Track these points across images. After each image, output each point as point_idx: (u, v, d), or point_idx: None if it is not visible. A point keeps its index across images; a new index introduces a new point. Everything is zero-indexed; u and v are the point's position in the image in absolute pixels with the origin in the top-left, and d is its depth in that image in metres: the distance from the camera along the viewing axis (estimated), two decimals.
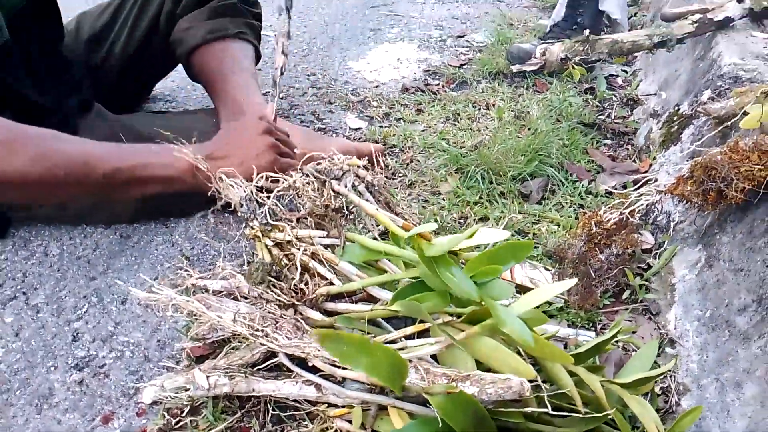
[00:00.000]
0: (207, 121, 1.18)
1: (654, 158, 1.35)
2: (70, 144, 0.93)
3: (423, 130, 1.53)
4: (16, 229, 1.13)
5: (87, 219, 1.15)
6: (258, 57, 1.37)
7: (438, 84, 1.81)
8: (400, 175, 1.34)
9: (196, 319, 0.83)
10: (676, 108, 1.39)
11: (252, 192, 0.78)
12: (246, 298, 0.78)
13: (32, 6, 1.12)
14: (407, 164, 1.39)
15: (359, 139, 1.49)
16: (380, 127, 1.55)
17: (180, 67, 1.38)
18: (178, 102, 1.62)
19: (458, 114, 1.61)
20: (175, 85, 1.65)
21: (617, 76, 1.86)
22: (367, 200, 0.86)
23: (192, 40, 1.26)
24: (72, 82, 1.22)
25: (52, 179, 0.88)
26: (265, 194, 0.82)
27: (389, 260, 0.83)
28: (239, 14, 1.31)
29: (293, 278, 0.76)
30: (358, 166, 0.82)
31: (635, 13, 2.32)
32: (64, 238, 1.12)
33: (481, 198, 1.24)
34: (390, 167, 1.34)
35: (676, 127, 1.34)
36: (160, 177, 0.95)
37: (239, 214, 0.80)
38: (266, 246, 0.78)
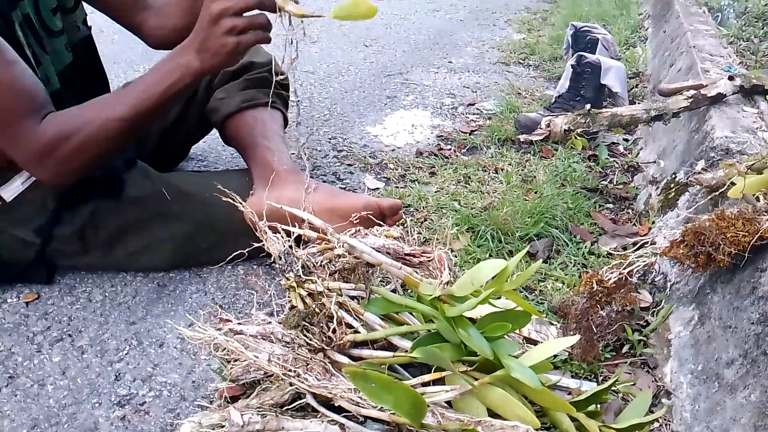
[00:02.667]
0: (240, 180, 1.29)
1: (653, 222, 1.44)
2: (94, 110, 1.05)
3: (436, 192, 1.64)
4: (61, 276, 1.23)
5: (127, 267, 1.25)
6: (285, 122, 1.50)
7: (450, 149, 1.93)
8: (415, 232, 1.44)
9: (232, 360, 0.91)
10: (673, 176, 1.50)
11: (290, 247, 0.88)
12: (280, 341, 0.87)
13: (79, 62, 1.25)
14: (421, 223, 1.49)
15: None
16: (396, 187, 1.66)
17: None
18: (209, 162, 1.75)
19: (469, 177, 1.72)
20: (206, 146, 1.77)
21: (618, 144, 1.98)
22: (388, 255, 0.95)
23: (227, 109, 1.39)
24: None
25: (109, 147, 1.06)
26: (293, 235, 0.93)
27: (410, 313, 0.92)
28: (269, 85, 1.44)
29: (323, 326, 0.84)
30: (394, 237, 0.92)
31: (636, 85, 2.46)
32: (106, 285, 1.21)
33: (490, 256, 1.34)
34: (405, 225, 1.44)
35: (673, 193, 1.45)
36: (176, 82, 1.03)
37: (277, 266, 0.89)
38: (300, 296, 0.87)
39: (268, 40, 1.00)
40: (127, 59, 2.53)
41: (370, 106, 2.29)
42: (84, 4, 1.27)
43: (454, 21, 3.80)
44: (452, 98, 2.41)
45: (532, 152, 1.88)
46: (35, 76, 1.04)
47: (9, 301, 1.16)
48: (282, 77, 1.50)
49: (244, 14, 0.96)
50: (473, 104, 2.33)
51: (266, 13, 0.98)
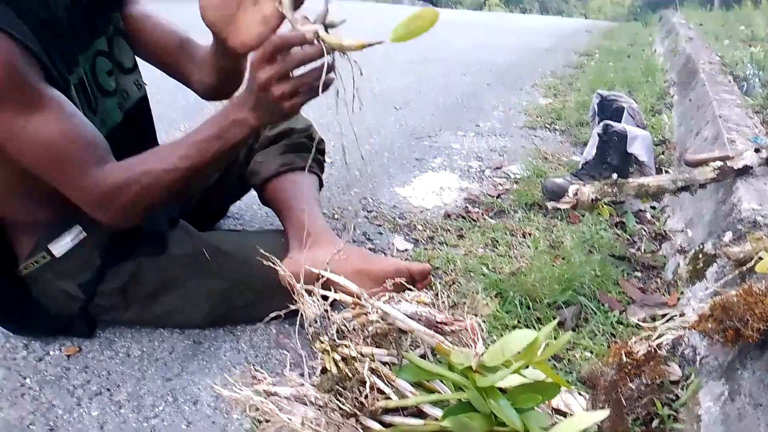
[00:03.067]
0: (276, 241, 1.34)
1: (682, 293, 1.45)
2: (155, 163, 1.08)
3: (464, 255, 1.67)
4: (102, 329, 1.28)
5: (165, 323, 1.29)
6: (321, 185, 1.56)
7: (478, 212, 1.97)
8: (444, 296, 1.46)
9: (264, 420, 0.93)
10: (701, 246, 1.51)
11: (326, 311, 0.91)
12: (313, 404, 0.89)
13: (130, 122, 1.32)
14: (450, 286, 1.52)
15: (406, 260, 1.63)
16: (425, 249, 1.70)
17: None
18: (245, 220, 1.81)
19: (497, 241, 1.75)
20: (243, 205, 1.84)
21: (645, 211, 2.00)
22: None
23: (266, 172, 1.46)
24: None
25: (162, 197, 1.09)
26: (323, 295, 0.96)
27: (440, 380, 0.94)
28: (306, 150, 1.51)
29: (356, 390, 0.87)
30: (425, 303, 0.95)
31: (662, 152, 2.49)
32: (144, 340, 1.26)
33: (519, 322, 1.35)
34: (435, 289, 1.47)
35: (701, 264, 1.46)
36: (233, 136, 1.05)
37: (312, 329, 0.92)
38: (334, 359, 0.90)
39: (324, 89, 0.97)
40: (169, 117, 2.65)
41: (399, 168, 2.35)
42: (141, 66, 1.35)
43: (482, 85, 3.91)
44: (480, 161, 2.46)
45: (559, 217, 1.90)
46: (95, 127, 1.08)
47: (51, 353, 1.21)
48: (319, 143, 1.57)
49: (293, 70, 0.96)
50: (500, 168, 2.38)
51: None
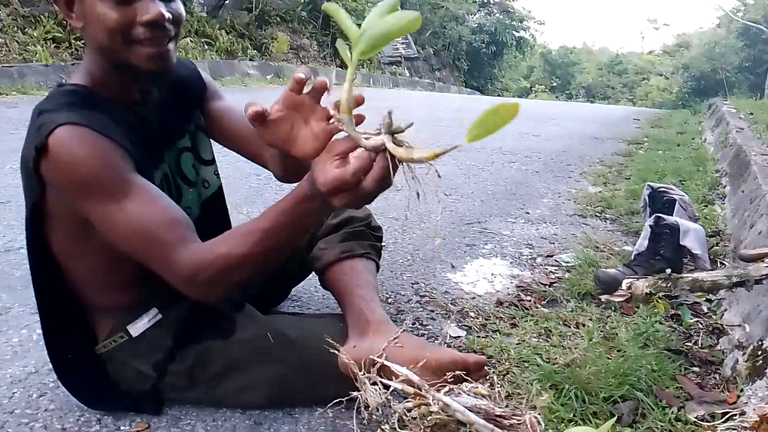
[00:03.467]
0: (336, 327, 1.39)
1: (741, 390, 1.42)
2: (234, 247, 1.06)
3: (518, 344, 1.68)
4: (169, 407, 1.34)
5: (227, 404, 1.34)
6: (378, 268, 1.63)
7: (530, 300, 1.99)
8: (498, 386, 1.47)
9: None
10: (760, 343, 1.49)
11: (388, 400, 0.95)
12: None
13: (207, 215, 1.42)
14: (503, 375, 1.53)
15: (459, 347, 1.66)
16: (478, 337, 1.72)
17: None
18: (303, 302, 1.88)
19: (550, 331, 1.76)
20: (301, 287, 1.91)
21: (701, 303, 1.98)
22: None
23: (327, 258, 1.54)
24: None
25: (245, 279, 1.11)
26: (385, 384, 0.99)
27: None
28: (366, 238, 1.59)
29: None
30: (482, 394, 0.98)
31: (716, 243, 2.48)
32: (207, 419, 1.30)
33: (574, 416, 1.35)
34: (490, 379, 1.48)
35: (760, 361, 1.43)
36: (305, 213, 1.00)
37: (374, 417, 0.96)
38: None
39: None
40: (232, 201, 2.79)
41: (450, 253, 2.41)
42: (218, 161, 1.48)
43: (530, 172, 3.99)
44: (530, 249, 2.50)
45: (613, 308, 1.90)
46: (179, 207, 1.14)
47: (122, 428, 1.27)
48: (377, 231, 1.65)
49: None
50: (551, 256, 2.41)
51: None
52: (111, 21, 1.04)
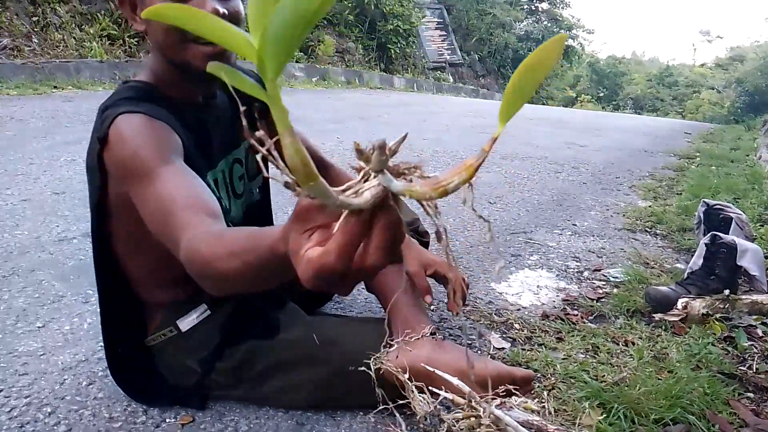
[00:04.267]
0: (380, 331, 1.38)
1: None
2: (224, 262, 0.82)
3: (564, 359, 1.64)
4: (213, 402, 1.35)
5: (270, 402, 1.35)
6: None
7: (577, 314, 1.94)
8: (546, 402, 1.44)
9: None
10: None
11: (437, 409, 0.94)
12: None
13: (248, 217, 1.43)
14: (549, 391, 1.49)
15: (503, 360, 1.63)
16: (522, 349, 1.69)
17: None
18: (345, 303, 1.88)
19: (597, 347, 1.71)
20: None
21: (756, 326, 1.90)
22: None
23: None
24: None
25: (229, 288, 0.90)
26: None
27: None
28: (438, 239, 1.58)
29: None
30: (532, 410, 0.96)
31: None
32: (251, 417, 1.31)
33: None
34: (536, 395, 1.45)
35: None
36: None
37: (421, 426, 0.95)
38: None
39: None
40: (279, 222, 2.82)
41: (494, 263, 2.37)
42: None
43: (577, 183, 3.92)
44: (577, 262, 2.44)
45: (663, 327, 1.84)
46: (208, 192, 1.04)
47: (168, 420, 1.28)
48: (423, 236, 1.63)
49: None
50: (599, 270, 2.35)
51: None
52: None
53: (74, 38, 6.92)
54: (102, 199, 1.16)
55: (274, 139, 0.45)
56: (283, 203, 2.81)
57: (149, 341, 1.34)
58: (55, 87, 5.73)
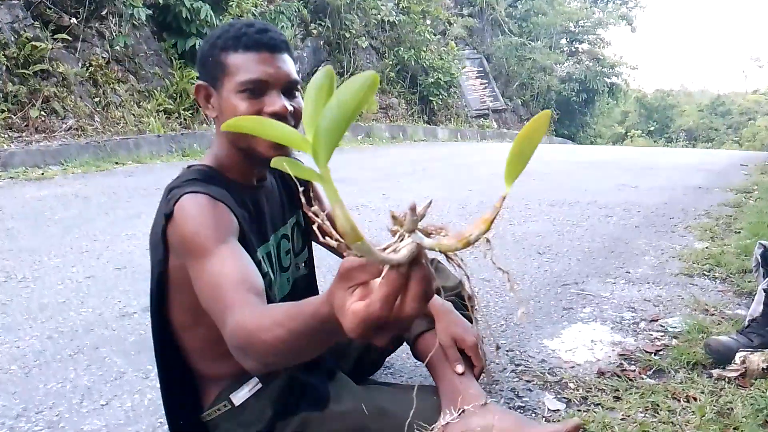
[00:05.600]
0: (430, 401, 1.38)
1: None
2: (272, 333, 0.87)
3: (622, 419, 1.59)
4: None
5: None
6: None
7: (634, 370, 1.89)
8: None
9: None
10: None
11: None
12: None
13: (296, 295, 1.47)
14: None
15: (558, 422, 1.59)
16: (578, 411, 1.65)
17: None
18: (395, 369, 1.88)
19: (657, 405, 1.65)
20: (393, 354, 1.92)
21: None
22: None
23: (418, 328, 1.54)
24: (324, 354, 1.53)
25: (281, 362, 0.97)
26: None
27: None
28: (456, 308, 1.59)
29: None
30: None
31: None
32: None
33: None
34: None
35: None
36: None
37: None
38: None
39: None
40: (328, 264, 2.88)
41: (546, 318, 2.34)
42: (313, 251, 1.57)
43: (629, 227, 3.84)
44: (633, 312, 2.38)
45: (726, 379, 1.77)
46: (255, 270, 1.10)
47: None
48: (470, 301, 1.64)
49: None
50: (656, 320, 2.29)
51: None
52: (242, 111, 1.19)
53: (133, 115, 7.33)
54: (164, 272, 1.23)
55: (326, 212, 0.59)
56: (328, 282, 2.86)
57: (205, 416, 1.37)
58: (116, 163, 6.06)
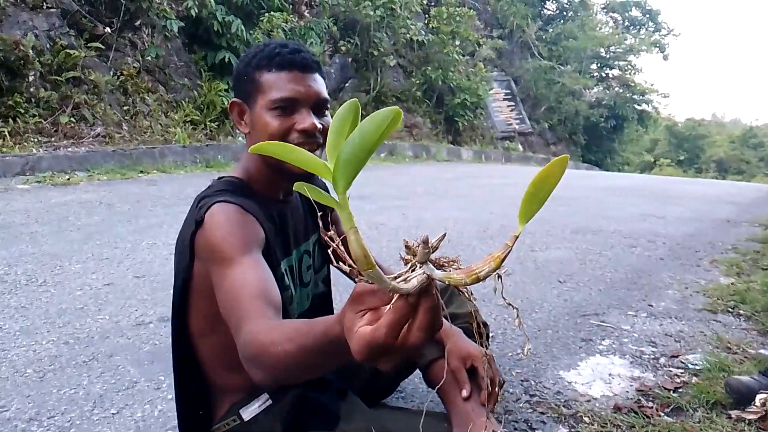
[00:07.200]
0: (440, 426, 1.36)
1: None
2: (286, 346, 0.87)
3: None
4: None
5: None
6: None
7: (652, 407, 1.84)
8: None
9: None
10: None
11: None
12: None
13: (314, 310, 1.47)
14: None
15: None
16: None
17: None
18: (407, 392, 1.86)
19: None
20: (406, 379, 1.89)
21: None
22: None
23: (431, 355, 1.52)
24: (334, 372, 1.51)
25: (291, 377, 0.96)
26: None
27: None
28: (469, 335, 1.56)
29: None
30: None
31: None
32: None
33: None
34: None
35: None
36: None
37: None
38: None
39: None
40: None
41: (563, 348, 2.29)
42: (332, 268, 1.56)
43: (653, 259, 3.77)
44: (653, 347, 2.32)
45: (746, 422, 1.71)
46: (274, 283, 1.12)
47: None
48: (484, 329, 1.62)
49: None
50: (677, 356, 2.23)
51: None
52: (273, 127, 1.23)
53: (160, 124, 7.45)
54: (188, 278, 1.25)
55: (342, 237, 0.60)
56: (343, 300, 2.85)
57: (215, 430, 1.37)
58: (141, 171, 6.14)
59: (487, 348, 1.64)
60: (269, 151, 0.60)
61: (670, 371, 2.11)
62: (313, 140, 1.26)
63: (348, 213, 0.58)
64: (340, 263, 0.62)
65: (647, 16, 24.34)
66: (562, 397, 1.90)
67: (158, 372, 1.95)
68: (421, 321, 0.60)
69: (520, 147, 16.68)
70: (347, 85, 11.67)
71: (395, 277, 0.60)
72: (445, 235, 0.63)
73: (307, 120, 1.24)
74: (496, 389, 1.42)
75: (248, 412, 1.34)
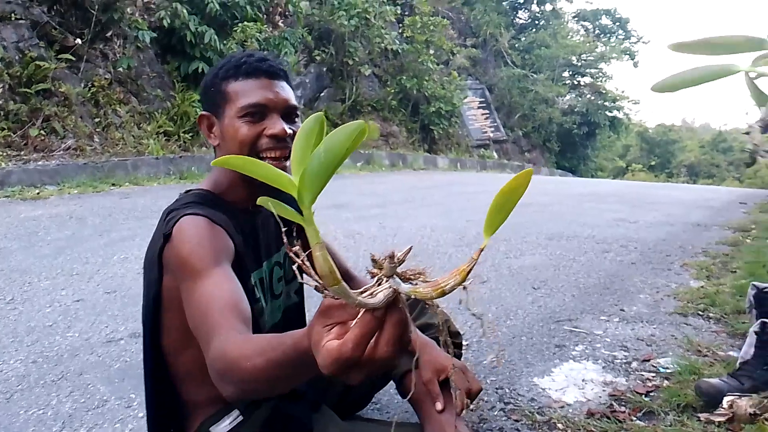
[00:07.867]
0: None
1: None
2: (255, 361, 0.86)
3: None
4: None
5: None
6: None
7: (624, 411, 1.85)
8: None
9: None
10: None
11: None
12: None
13: (287, 322, 1.46)
14: None
15: None
16: None
17: None
18: (382, 404, 1.85)
19: None
20: (381, 390, 1.89)
21: None
22: None
23: (405, 366, 1.51)
24: (307, 384, 1.50)
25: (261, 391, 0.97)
26: None
27: None
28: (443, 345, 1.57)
29: None
30: None
31: None
32: None
33: None
34: None
35: None
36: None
37: None
38: None
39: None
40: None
41: (538, 355, 2.31)
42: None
43: (626, 264, 3.82)
44: (625, 351, 2.35)
45: (716, 423, 1.74)
46: (244, 296, 1.10)
47: None
48: (455, 336, 1.62)
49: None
50: (648, 360, 2.26)
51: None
52: (243, 134, 1.23)
53: (133, 136, 7.36)
54: (158, 292, 1.23)
55: (307, 252, 0.58)
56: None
57: None
58: (113, 184, 6.06)
59: (460, 357, 1.65)
60: (234, 165, 0.59)
61: (642, 375, 2.13)
62: (284, 146, 1.25)
63: (314, 228, 0.57)
64: (307, 278, 0.61)
65: (617, 24, 24.83)
66: (536, 404, 1.91)
67: (129, 389, 1.92)
68: (388, 335, 0.60)
69: (495, 154, 16.82)
70: (323, 94, 11.68)
71: (362, 292, 0.59)
72: (411, 248, 0.62)
73: (277, 125, 1.24)
74: (467, 400, 1.42)
75: (218, 430, 1.32)
